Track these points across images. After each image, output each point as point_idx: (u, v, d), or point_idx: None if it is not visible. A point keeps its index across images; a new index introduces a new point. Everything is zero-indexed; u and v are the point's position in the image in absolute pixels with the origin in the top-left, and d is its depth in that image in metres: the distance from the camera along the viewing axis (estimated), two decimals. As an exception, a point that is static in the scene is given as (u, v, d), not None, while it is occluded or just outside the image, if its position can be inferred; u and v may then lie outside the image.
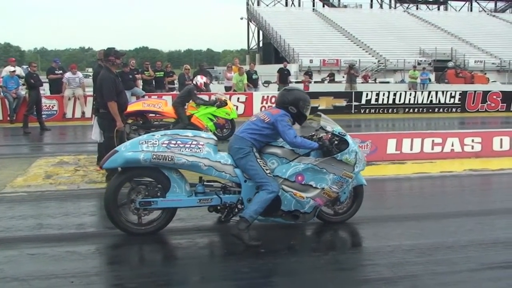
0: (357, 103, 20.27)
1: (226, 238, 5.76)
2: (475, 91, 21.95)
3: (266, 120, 5.70)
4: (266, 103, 18.81)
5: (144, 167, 5.56)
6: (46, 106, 16.61)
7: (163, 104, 12.48)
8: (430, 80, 29.93)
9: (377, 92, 20.93)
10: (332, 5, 66.16)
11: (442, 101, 21.30)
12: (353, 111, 20.07)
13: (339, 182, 5.73)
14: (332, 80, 33.77)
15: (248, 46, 68.86)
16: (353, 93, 20.88)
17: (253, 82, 20.90)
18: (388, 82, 36.49)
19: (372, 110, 20.25)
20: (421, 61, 45.24)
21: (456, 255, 5.25)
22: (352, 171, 5.79)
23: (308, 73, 31.54)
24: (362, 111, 20.17)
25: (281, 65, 23.98)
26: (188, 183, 5.77)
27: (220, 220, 6.02)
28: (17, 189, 7.93)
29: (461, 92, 21.65)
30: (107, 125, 8.15)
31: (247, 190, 5.63)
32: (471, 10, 68.43)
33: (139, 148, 5.50)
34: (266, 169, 5.57)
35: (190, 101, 12.36)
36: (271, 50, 56.59)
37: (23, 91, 16.58)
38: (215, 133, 11.74)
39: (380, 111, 20.45)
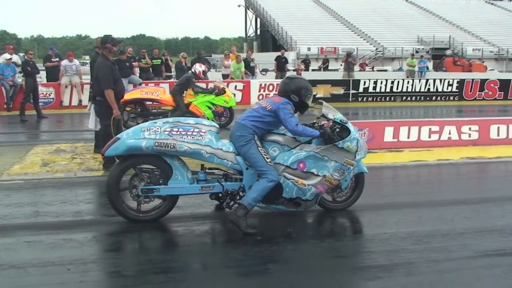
0: (354, 91, 20.29)
1: (224, 226, 5.78)
2: (472, 79, 22.02)
3: (268, 107, 5.71)
4: (264, 91, 18.82)
5: (146, 154, 5.56)
6: (43, 94, 16.56)
7: (161, 92, 12.51)
8: (428, 68, 29.93)
9: (375, 80, 20.93)
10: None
11: (440, 89, 21.36)
12: (350, 99, 20.10)
13: (340, 170, 5.78)
14: (326, 68, 33.77)
15: (246, 34, 68.62)
16: (351, 81, 20.91)
17: (250, 70, 20.88)
18: (386, 70, 36.49)
19: (370, 98, 20.28)
20: (419, 49, 45.17)
21: (452, 243, 5.27)
22: (353, 159, 5.84)
23: (306, 61, 31.53)
24: (359, 99, 20.21)
25: (279, 53, 23.97)
26: (190, 171, 5.77)
27: (218, 208, 6.07)
28: (13, 176, 7.93)
29: (458, 80, 21.74)
30: (104, 113, 8.15)
31: (248, 178, 5.65)
32: (469, -2, 68.63)
33: (141, 135, 5.50)
34: (267, 158, 5.58)
35: (189, 89, 12.34)
36: (268, 38, 56.43)
37: (19, 79, 16.52)
38: (213, 121, 11.59)
39: (378, 99, 20.48)
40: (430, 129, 10.87)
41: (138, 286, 4.29)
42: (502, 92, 21.63)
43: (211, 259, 4.93)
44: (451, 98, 21.35)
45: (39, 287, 4.25)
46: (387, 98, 20.68)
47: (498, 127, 11.14)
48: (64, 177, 7.94)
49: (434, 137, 10.81)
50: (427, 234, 5.49)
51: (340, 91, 20.11)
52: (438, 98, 21.24)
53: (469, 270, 4.65)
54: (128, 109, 12.10)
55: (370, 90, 20.42)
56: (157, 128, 5.52)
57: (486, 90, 21.52)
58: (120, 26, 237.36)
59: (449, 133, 10.86)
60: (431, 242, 5.29)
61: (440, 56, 42.08)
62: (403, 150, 10.31)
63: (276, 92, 6.10)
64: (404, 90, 21.00)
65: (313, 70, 33.26)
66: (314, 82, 20.14)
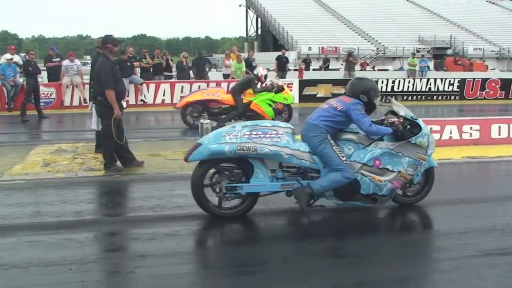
0: (356, 91, 20.32)
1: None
2: (473, 79, 22.00)
3: (338, 107, 5.88)
4: (265, 90, 18.85)
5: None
6: (44, 94, 16.54)
7: (221, 92, 13.01)
8: (428, 67, 29.93)
9: (376, 79, 20.82)
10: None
11: (441, 88, 21.32)
12: (351, 98, 20.13)
13: (414, 165, 5.99)
14: (327, 67, 33.75)
15: (247, 34, 68.65)
16: (352, 80, 20.94)
17: (251, 69, 20.88)
18: (386, 70, 36.52)
19: (371, 98, 20.29)
20: (420, 48, 45.14)
21: (453, 242, 5.27)
22: (425, 154, 6.06)
23: (306, 60, 31.54)
24: (361, 99, 20.23)
25: (280, 53, 24.00)
26: (269, 169, 5.94)
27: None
28: (15, 176, 7.92)
29: (459, 79, 21.69)
30: (105, 113, 8.14)
31: (325, 174, 5.83)
32: (471, -3, 68.55)
33: (222, 140, 5.73)
34: (342, 156, 5.77)
35: (249, 89, 12.65)
36: (269, 38, 56.45)
37: (21, 79, 16.51)
38: (273, 119, 12.14)
39: (379, 99, 20.51)
40: (431, 128, 10.76)
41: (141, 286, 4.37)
42: (504, 92, 21.57)
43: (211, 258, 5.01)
44: (452, 97, 21.29)
45: (41, 287, 4.25)
46: (388, 97, 20.61)
47: (499, 127, 11.10)
48: (65, 177, 7.92)
49: (436, 136, 10.63)
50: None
51: (341, 90, 19.73)
52: (439, 97, 21.17)
53: (469, 269, 4.62)
54: (190, 109, 12.76)
55: (371, 89, 20.45)
56: (237, 132, 5.76)
57: (487, 90, 21.46)
58: (121, 26, 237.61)
59: (450, 133, 10.82)
60: (433, 241, 5.34)
61: (441, 56, 42.09)
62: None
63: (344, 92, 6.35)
64: (405, 89, 20.93)
65: (314, 69, 33.25)
66: (315, 82, 20.20)
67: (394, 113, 6.31)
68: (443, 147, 10.44)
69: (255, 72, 13.29)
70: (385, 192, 5.96)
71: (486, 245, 5.17)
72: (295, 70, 29.11)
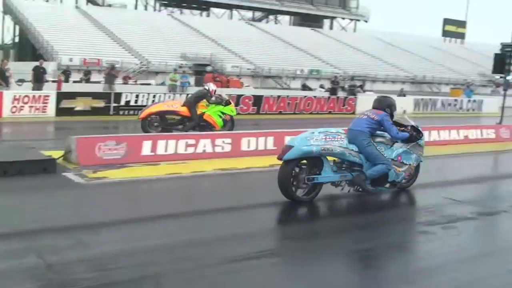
0: (116, 104, 19.93)
1: None
2: (230, 95, 23.05)
3: (374, 118, 7.91)
4: (18, 103, 17.56)
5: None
6: None
7: (178, 104, 14.31)
8: (189, 83, 30.78)
9: (137, 93, 20.90)
10: (96, 4, 64.72)
11: (200, 103, 22.25)
12: (111, 112, 19.67)
13: (417, 160, 8.47)
14: (88, 80, 32.77)
15: (2, 41, 63.89)
16: (112, 94, 20.51)
17: (4, 79, 19.43)
18: (149, 84, 36.82)
19: (132, 112, 19.89)
20: (183, 64, 46.50)
21: (198, 251, 5.49)
22: (423, 152, 8.58)
23: (66, 72, 30.38)
24: (121, 113, 19.89)
25: (37, 63, 22.71)
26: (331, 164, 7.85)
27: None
28: None
29: (216, 95, 22.89)
30: None
31: (367, 167, 7.81)
32: (231, 18, 72.71)
33: (308, 143, 7.44)
34: (384, 154, 7.89)
35: (202, 101, 14.15)
36: (28, 47, 53.03)
37: None
38: (223, 128, 14.01)
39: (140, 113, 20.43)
40: (186, 142, 11.20)
41: None
42: (256, 107, 23.11)
43: None
44: (211, 112, 22.31)
45: None
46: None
47: (249, 140, 11.92)
48: None
49: (191, 150, 11.15)
50: (174, 244, 5.64)
51: (101, 104, 19.56)
52: (199, 112, 22.04)
53: (216, 277, 4.86)
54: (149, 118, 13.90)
55: (132, 103, 20.24)
56: (317, 137, 7.51)
57: (242, 105, 22.72)
58: None
59: (204, 146, 11.30)
60: (179, 252, 5.44)
61: (202, 72, 43.91)
62: (160, 163, 10.36)
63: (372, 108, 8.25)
64: (166, 104, 21.36)
65: (74, 81, 32.03)
66: (74, 95, 19.42)
67: (397, 123, 8.32)
68: (197, 160, 10.83)
69: (206, 87, 14.57)
70: (400, 180, 8.22)
71: (230, 252, 5.44)
72: (53, 81, 27.78)
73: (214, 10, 72.11)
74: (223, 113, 14.19)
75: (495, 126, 17.80)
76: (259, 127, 17.36)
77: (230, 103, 14.59)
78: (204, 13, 71.95)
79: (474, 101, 33.36)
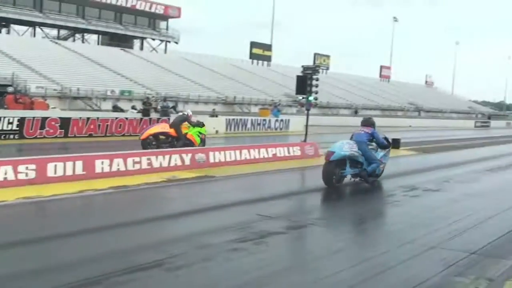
0: None
1: None
2: (34, 117, 21.86)
3: (368, 132, 12.45)
4: None
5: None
6: None
7: (167, 126, 18.26)
8: (-15, 105, 28.56)
9: None
10: None
11: (0, 127, 20.63)
12: None
13: (387, 160, 13.14)
14: None
15: None
16: None
17: None
18: None
19: None
20: (-22, 85, 42.94)
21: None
22: (389, 155, 13.39)
23: None
24: None
25: None
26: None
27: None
28: None
29: (19, 118, 21.29)
30: None
31: (366, 165, 12.19)
32: (34, 36, 68.72)
33: (343, 150, 11.84)
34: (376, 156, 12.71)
35: (184, 123, 17.95)
36: None
37: None
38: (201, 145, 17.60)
39: None
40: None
41: None
42: (63, 130, 22.16)
43: None
44: (12, 136, 20.77)
45: None
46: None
47: (56, 165, 11.30)
48: None
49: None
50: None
51: None
52: (-1, 136, 20.77)
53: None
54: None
55: None
56: (344, 146, 11.88)
57: (48, 128, 21.73)
58: None
59: (5, 173, 10.47)
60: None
61: (2, 93, 40.83)
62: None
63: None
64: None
65: None
66: None
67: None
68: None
69: (185, 112, 18.65)
70: (379, 173, 12.89)
71: None
72: None
73: (15, 27, 68.00)
74: (200, 133, 18.07)
75: (300, 143, 18.97)
76: (68, 151, 16.47)
77: (204, 125, 18.44)
78: (4, 30, 67.36)
79: (282, 120, 35.26)
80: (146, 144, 17.44)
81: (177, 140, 17.67)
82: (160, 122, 22.94)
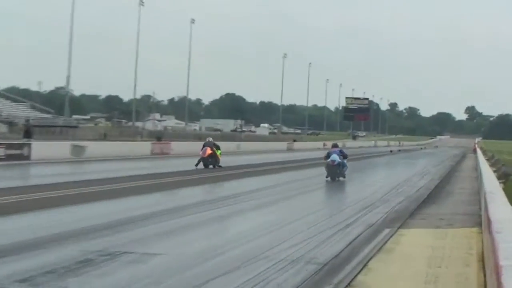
0: None
1: None
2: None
3: (339, 149, 22.37)
4: None
5: None
6: None
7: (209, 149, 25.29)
8: None
9: None
10: None
11: None
12: None
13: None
14: None
15: None
16: None
17: None
18: None
19: None
20: None
21: None
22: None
23: None
24: None
25: None
26: None
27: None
28: None
29: None
30: None
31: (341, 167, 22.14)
32: None
33: (339, 158, 21.47)
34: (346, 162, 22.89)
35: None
36: None
37: None
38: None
39: None
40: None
41: None
42: None
43: None
44: None
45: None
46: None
47: None
48: None
49: None
50: None
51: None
52: None
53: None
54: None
55: None
56: (338, 156, 21.55)
57: None
58: None
59: None
60: None
61: None
62: None
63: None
64: None
65: None
66: None
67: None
68: None
69: (209, 139, 26.39)
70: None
71: None
72: None
73: None
74: (220, 154, 25.76)
75: None
76: None
77: (219, 148, 25.92)
78: None
79: None
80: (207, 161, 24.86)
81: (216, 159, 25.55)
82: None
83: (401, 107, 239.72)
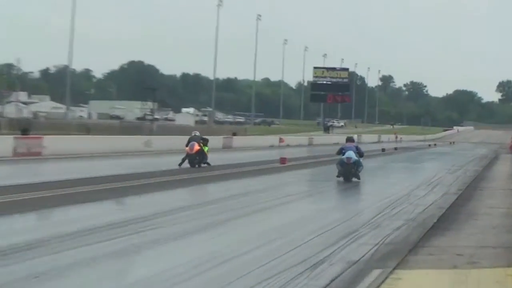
0: None
1: None
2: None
3: (354, 145, 27.66)
4: None
5: None
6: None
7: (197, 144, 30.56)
8: None
9: None
10: None
11: None
12: None
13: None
14: None
15: None
16: None
17: None
18: None
19: None
20: None
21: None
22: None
23: None
24: None
25: None
26: None
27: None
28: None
29: None
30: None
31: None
32: None
33: (355, 155, 28.41)
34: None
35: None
36: None
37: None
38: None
39: None
40: None
41: None
42: None
43: None
44: None
45: None
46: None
47: None
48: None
49: None
50: None
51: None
52: None
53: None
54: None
55: None
56: (354, 153, 28.13)
57: None
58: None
59: None
60: None
61: None
62: None
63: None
64: None
65: None
66: None
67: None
68: None
69: (196, 133, 32.99)
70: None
71: None
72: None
73: None
74: (207, 150, 31.03)
75: None
76: None
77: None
78: None
79: None
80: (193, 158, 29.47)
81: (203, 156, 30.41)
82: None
83: (399, 82, 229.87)
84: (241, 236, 14.04)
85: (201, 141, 30.34)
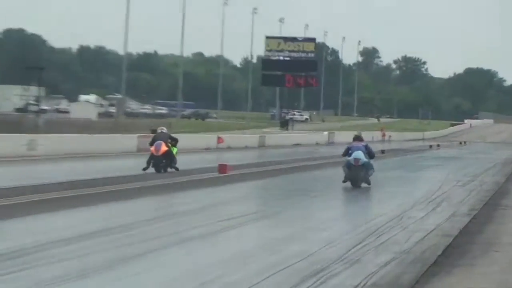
0: None
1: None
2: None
3: (363, 144, 33.88)
4: None
5: None
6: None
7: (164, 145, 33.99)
8: None
9: None
10: None
11: None
12: None
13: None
14: None
15: None
16: None
17: None
18: None
19: None
20: None
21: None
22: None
23: None
24: None
25: None
26: None
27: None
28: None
29: None
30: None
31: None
32: None
33: (364, 157, 38.61)
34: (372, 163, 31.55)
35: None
36: None
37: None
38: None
39: None
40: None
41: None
42: None
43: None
44: None
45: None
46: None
47: None
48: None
49: None
50: None
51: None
52: None
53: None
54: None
55: None
56: (363, 154, 37.35)
57: None
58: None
59: None
60: None
61: None
62: None
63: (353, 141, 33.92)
64: None
65: None
66: None
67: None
68: None
69: (162, 130, 36.45)
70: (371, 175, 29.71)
71: None
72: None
73: None
74: (177, 152, 32.33)
75: None
76: None
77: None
78: None
79: None
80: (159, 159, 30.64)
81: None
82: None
83: (388, 57, 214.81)
84: (162, 278, 13.35)
85: (170, 140, 33.01)
